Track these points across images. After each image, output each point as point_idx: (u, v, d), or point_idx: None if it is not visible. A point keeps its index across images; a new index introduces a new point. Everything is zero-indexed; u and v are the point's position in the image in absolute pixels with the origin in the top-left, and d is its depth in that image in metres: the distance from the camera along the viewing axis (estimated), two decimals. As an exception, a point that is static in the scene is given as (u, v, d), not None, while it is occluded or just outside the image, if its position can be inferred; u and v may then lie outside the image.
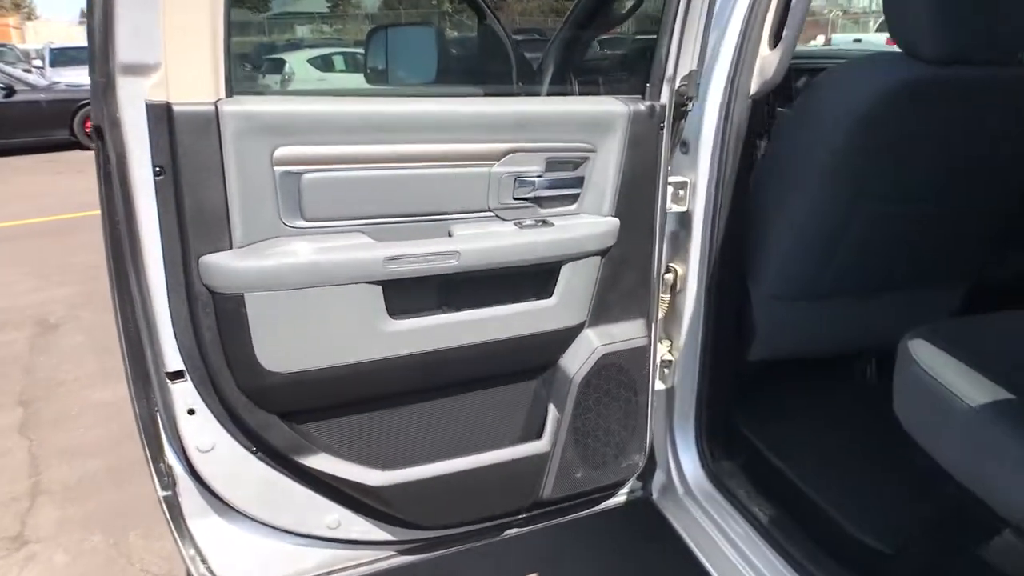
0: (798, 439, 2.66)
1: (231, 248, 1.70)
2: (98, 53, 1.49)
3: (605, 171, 2.10)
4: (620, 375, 2.27)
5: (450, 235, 1.95)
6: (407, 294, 1.98)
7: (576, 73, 3.23)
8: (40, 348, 4.93)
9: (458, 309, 2.00)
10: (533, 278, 2.15)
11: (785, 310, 2.62)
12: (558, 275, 2.09)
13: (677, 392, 2.59)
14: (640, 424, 2.36)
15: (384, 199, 1.85)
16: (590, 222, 2.10)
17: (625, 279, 2.23)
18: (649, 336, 2.32)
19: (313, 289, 1.77)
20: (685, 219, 2.46)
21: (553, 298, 2.11)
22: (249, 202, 1.69)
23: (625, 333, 2.28)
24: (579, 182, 2.09)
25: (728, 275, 2.48)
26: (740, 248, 2.50)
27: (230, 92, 1.65)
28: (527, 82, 3.14)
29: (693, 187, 2.42)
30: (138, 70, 1.51)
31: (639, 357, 2.30)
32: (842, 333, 2.76)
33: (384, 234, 1.89)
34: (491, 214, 2.01)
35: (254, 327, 1.73)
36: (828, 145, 2.20)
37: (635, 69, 2.51)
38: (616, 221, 2.14)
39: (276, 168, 1.72)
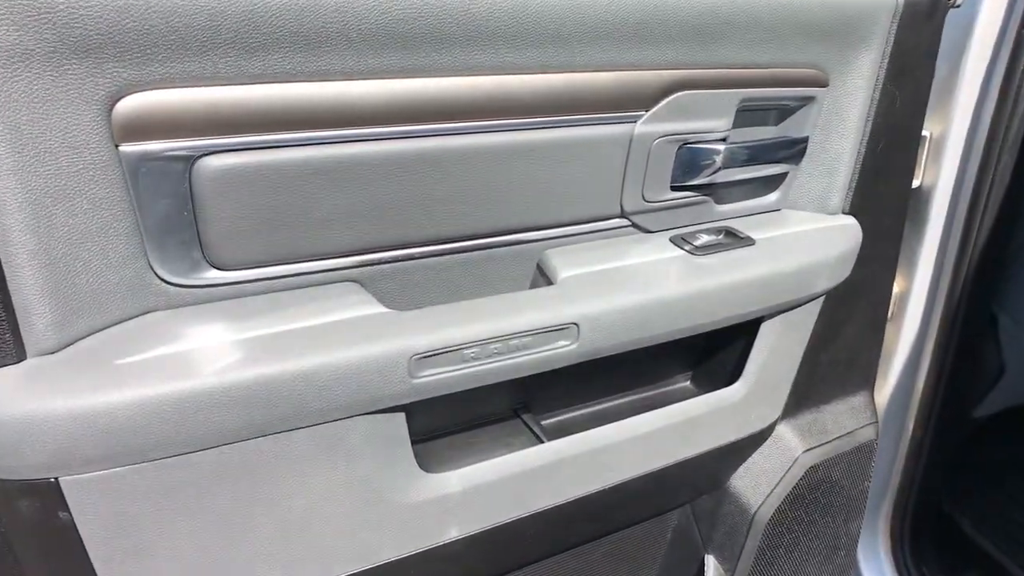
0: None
1: (17, 361, 0.66)
2: None
3: (843, 123, 1.04)
4: (832, 495, 1.26)
5: (546, 277, 0.90)
6: (443, 414, 0.98)
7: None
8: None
9: (559, 433, 0.96)
10: (693, 352, 1.13)
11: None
12: (753, 340, 1.05)
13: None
14: (845, 564, 1.36)
15: (393, 207, 0.81)
16: (815, 231, 1.05)
17: (849, 330, 1.20)
18: (875, 418, 1.30)
19: (248, 445, 0.73)
20: (914, 202, 1.42)
21: (741, 383, 1.07)
22: (59, 234, 0.65)
23: (843, 422, 1.25)
24: (797, 148, 1.03)
25: (973, 296, 1.45)
26: (999, 256, 1.46)
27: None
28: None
29: (936, 146, 1.37)
30: None
31: (862, 460, 1.28)
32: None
33: (396, 285, 0.86)
34: (624, 223, 0.96)
35: (98, 562, 0.70)
36: None
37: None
38: (855, 224, 1.08)
39: (124, 148, 0.67)
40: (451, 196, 0.82)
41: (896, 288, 1.49)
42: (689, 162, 0.94)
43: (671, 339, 0.91)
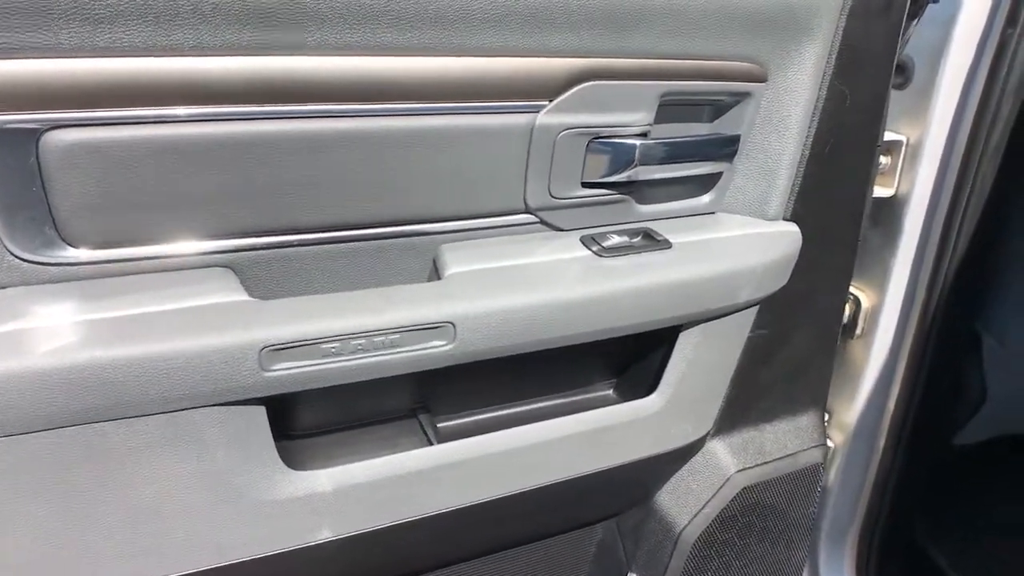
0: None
1: None
2: None
3: (784, 123, 0.96)
4: (769, 520, 1.18)
5: (438, 273, 0.85)
6: (328, 410, 0.93)
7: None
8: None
9: (460, 436, 0.91)
10: (615, 359, 1.07)
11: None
12: (671, 350, 0.98)
13: (831, 498, 1.51)
14: None
15: (269, 191, 0.76)
16: (745, 237, 0.98)
17: (794, 344, 1.12)
18: (824, 440, 1.22)
19: (90, 429, 0.69)
20: (889, 211, 1.33)
21: (657, 396, 1.00)
22: None
23: (785, 442, 1.17)
24: (727, 147, 0.96)
25: (951, 313, 1.35)
26: (979, 270, 1.36)
27: None
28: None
29: (912, 152, 1.27)
30: None
31: (805, 484, 1.20)
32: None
33: (276, 274, 0.81)
34: (532, 219, 0.90)
35: None
36: None
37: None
38: (795, 231, 1.01)
39: None
40: (335, 182, 0.77)
41: (866, 303, 1.40)
42: (602, 158, 0.87)
43: (567, 344, 0.85)
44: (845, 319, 1.41)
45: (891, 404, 1.45)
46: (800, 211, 1.01)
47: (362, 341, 0.74)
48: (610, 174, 0.88)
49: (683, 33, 0.85)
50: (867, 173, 1.07)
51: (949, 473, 1.64)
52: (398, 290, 0.80)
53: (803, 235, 1.01)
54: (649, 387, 1.00)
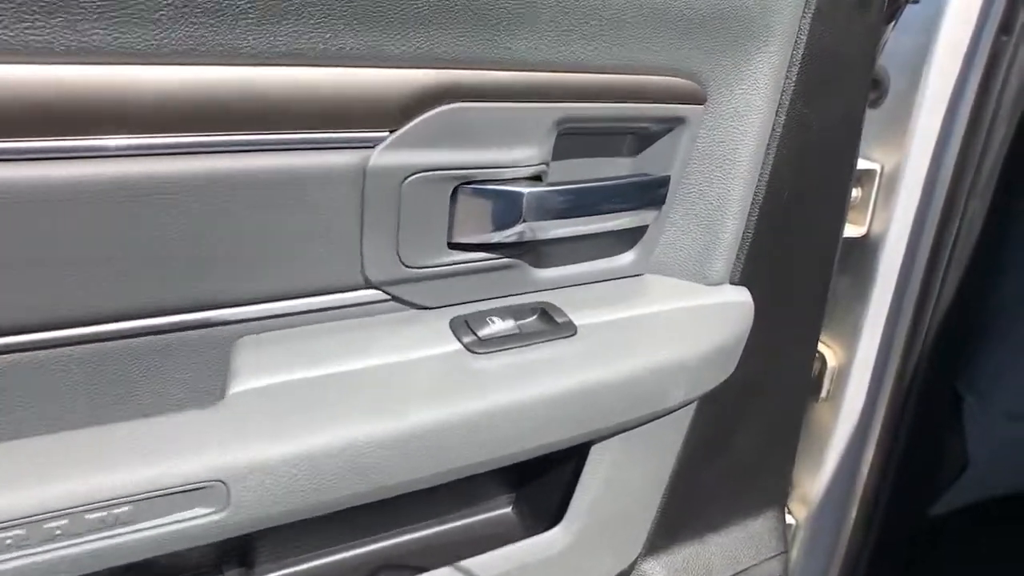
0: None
1: None
2: None
3: (730, 157, 0.72)
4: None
5: (219, 391, 0.58)
6: None
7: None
8: None
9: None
10: (511, 472, 0.81)
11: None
12: (581, 466, 0.73)
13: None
14: None
15: None
16: (680, 311, 0.73)
17: (747, 436, 0.88)
18: (786, 548, 0.98)
19: None
20: (860, 253, 1.10)
21: (562, 528, 0.74)
22: None
23: (737, 555, 0.93)
24: (654, 191, 0.71)
25: (932, 371, 1.13)
26: (965, 321, 1.14)
27: None
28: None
29: (888, 183, 1.05)
30: None
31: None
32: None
33: None
34: (380, 296, 0.64)
35: None
36: None
37: None
38: (746, 299, 0.76)
39: None
40: (66, 256, 0.50)
41: (833, 360, 1.17)
42: (476, 210, 0.62)
43: (412, 490, 0.59)
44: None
45: (863, 473, 1.23)
46: (752, 271, 0.77)
47: (64, 522, 0.47)
48: (488, 232, 0.63)
49: (588, 36, 0.60)
50: (838, 218, 0.83)
51: (927, 547, 1.42)
52: (130, 429, 0.53)
53: (756, 302, 0.78)
54: (554, 515, 0.75)
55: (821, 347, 1.19)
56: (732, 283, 0.76)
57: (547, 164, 0.64)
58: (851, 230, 1.10)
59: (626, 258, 0.74)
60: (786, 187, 0.76)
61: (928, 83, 0.98)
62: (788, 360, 0.87)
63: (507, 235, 0.62)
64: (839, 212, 0.82)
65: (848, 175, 0.81)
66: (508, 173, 0.62)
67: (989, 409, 1.25)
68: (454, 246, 0.63)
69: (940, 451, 1.29)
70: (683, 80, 0.68)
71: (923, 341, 1.11)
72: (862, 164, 1.06)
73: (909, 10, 0.96)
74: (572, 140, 0.67)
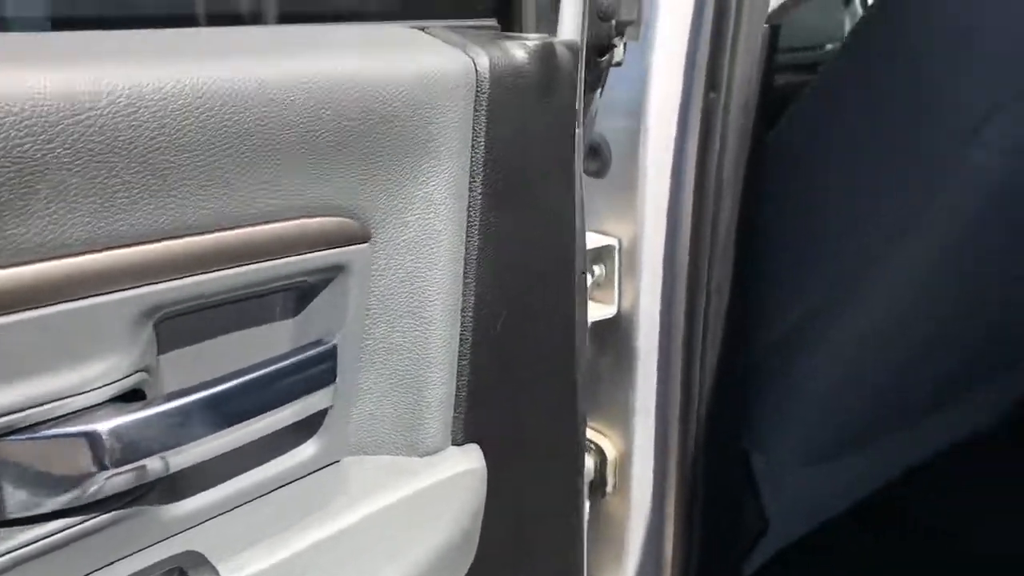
0: None
1: None
2: None
3: (419, 296, 0.56)
4: None
5: None
6: None
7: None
8: None
9: None
10: None
11: (819, 475, 1.25)
12: None
13: None
14: None
15: None
16: (389, 510, 0.55)
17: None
18: None
19: None
20: (615, 334, 1.01)
21: None
22: None
23: None
24: (317, 367, 0.53)
25: (713, 441, 1.06)
26: (737, 384, 1.08)
27: None
28: None
29: (629, 258, 0.96)
30: None
31: None
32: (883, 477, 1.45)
33: None
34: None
35: None
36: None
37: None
38: (476, 466, 0.60)
39: None
40: None
41: (612, 451, 1.06)
42: (29, 472, 0.41)
43: None
44: (590, 474, 1.07)
45: (666, 559, 1.13)
46: (479, 420, 0.62)
47: None
48: (55, 497, 0.42)
49: (159, 174, 0.42)
50: (570, 313, 0.70)
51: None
52: None
53: (493, 452, 0.63)
54: None
55: (597, 438, 1.08)
56: (456, 443, 0.61)
57: (147, 370, 0.44)
58: (601, 311, 1.00)
59: (307, 450, 0.56)
60: (499, 310, 0.62)
61: (648, 149, 0.90)
62: (549, 498, 0.73)
63: (78, 498, 0.42)
64: (569, 307, 0.69)
65: (571, 266, 0.69)
66: (75, 403, 0.41)
67: (779, 461, 1.21)
68: (7, 523, 0.41)
69: (739, 518, 1.23)
70: (334, 218, 0.51)
71: (698, 412, 1.03)
72: (600, 240, 0.97)
73: (613, 75, 0.88)
74: (195, 319, 0.48)
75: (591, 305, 1.00)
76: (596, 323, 1.00)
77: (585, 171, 0.96)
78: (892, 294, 0.96)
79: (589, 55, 0.76)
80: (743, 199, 0.94)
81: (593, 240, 0.96)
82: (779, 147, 1.03)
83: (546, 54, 0.59)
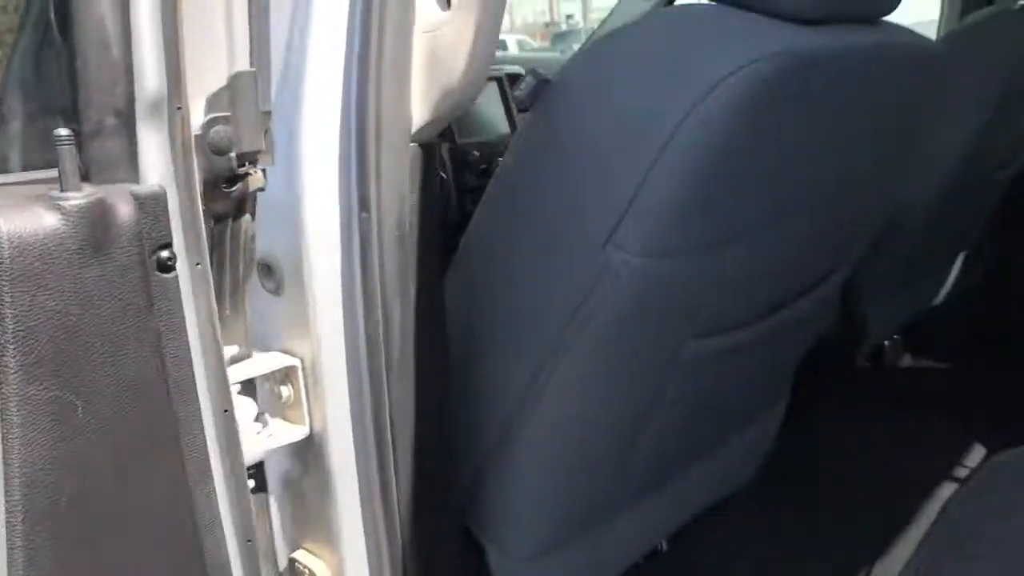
0: None
1: None
2: None
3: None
4: None
5: None
6: None
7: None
8: None
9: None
10: None
11: (554, 566, 1.26)
12: None
13: None
14: None
15: None
16: None
17: None
18: None
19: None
20: (313, 455, 0.99)
21: None
22: None
23: None
24: None
25: (436, 543, 1.05)
26: (451, 485, 1.08)
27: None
28: None
29: (314, 375, 0.94)
30: None
31: None
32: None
33: None
34: None
35: None
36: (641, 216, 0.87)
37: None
38: None
39: None
40: None
41: (327, 572, 1.02)
42: None
43: None
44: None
45: None
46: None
47: None
48: None
49: None
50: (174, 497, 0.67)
51: None
52: None
53: None
54: None
55: (309, 559, 1.04)
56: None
57: None
58: (293, 432, 0.97)
59: None
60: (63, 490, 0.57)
61: (313, 268, 0.90)
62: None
63: None
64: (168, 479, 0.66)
65: (169, 434, 0.66)
66: None
67: (514, 555, 1.21)
68: None
69: None
70: None
71: (410, 521, 1.01)
72: (284, 360, 0.95)
73: (274, 195, 0.87)
74: None
75: (284, 426, 0.97)
76: (295, 444, 0.97)
77: (264, 288, 0.94)
78: (572, 384, 1.00)
79: (210, 189, 0.75)
80: (427, 308, 0.95)
81: (278, 360, 0.94)
82: (474, 239, 1.06)
83: (94, 212, 0.57)
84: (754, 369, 1.38)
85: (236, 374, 0.86)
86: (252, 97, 0.73)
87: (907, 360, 2.71)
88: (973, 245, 2.45)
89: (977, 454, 2.04)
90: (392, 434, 0.94)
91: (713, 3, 0.96)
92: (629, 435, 1.13)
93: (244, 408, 0.91)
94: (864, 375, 2.55)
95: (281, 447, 0.97)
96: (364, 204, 0.86)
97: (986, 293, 2.63)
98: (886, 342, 2.60)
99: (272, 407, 0.98)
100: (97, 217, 0.57)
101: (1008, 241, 2.55)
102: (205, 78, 0.70)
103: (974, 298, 2.63)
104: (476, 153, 1.61)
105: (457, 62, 0.83)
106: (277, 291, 0.94)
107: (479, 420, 1.06)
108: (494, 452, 1.08)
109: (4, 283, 0.52)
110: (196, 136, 0.70)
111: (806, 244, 1.17)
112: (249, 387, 0.94)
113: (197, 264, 0.70)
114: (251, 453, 0.88)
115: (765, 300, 1.19)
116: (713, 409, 1.33)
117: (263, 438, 0.94)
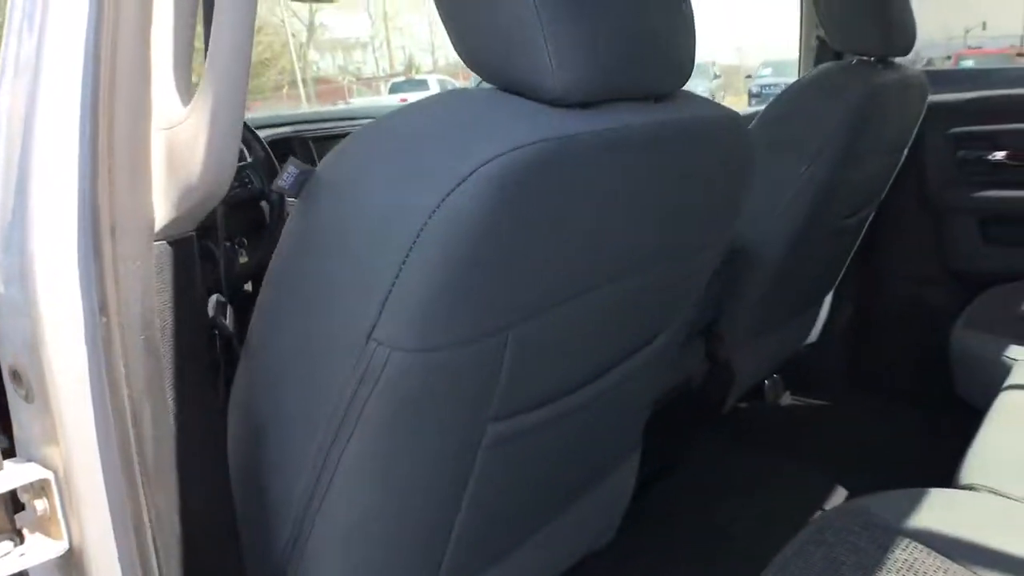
0: None
1: None
2: None
3: None
4: None
5: None
6: None
7: None
8: None
9: None
10: None
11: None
12: None
13: None
14: None
15: None
16: None
17: None
18: None
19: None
20: (76, 571, 0.92)
21: None
22: None
23: None
24: None
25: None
26: None
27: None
28: None
29: (69, 487, 0.88)
30: None
31: None
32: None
33: None
34: None
35: None
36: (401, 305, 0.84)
37: None
38: None
39: None
40: None
41: None
42: None
43: None
44: None
45: None
46: None
47: None
48: None
49: None
50: None
51: None
52: None
53: None
54: None
55: None
56: None
57: None
58: (52, 547, 0.90)
59: None
60: None
61: (54, 377, 0.84)
62: None
63: None
64: None
65: None
66: None
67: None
68: None
69: None
70: None
71: None
72: (37, 472, 0.89)
73: None
74: None
75: (42, 541, 0.91)
76: (58, 558, 0.91)
77: (17, 395, 0.88)
78: (360, 477, 0.97)
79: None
80: (192, 412, 0.91)
81: (31, 472, 0.88)
82: (249, 337, 1.02)
83: None
84: (590, 431, 1.37)
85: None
86: None
87: (787, 399, 2.77)
88: (838, 285, 2.52)
89: (839, 496, 2.08)
90: (155, 545, 0.88)
91: (484, 89, 0.95)
92: (440, 522, 1.10)
93: (-13, 527, 0.85)
94: (741, 415, 2.59)
95: (43, 563, 0.90)
96: (103, 307, 0.81)
97: (856, 331, 2.71)
98: (766, 381, 2.65)
99: (31, 521, 0.91)
100: None
101: (867, 281, 2.64)
102: None
103: (845, 336, 2.71)
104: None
105: (196, 159, 0.80)
106: (27, 398, 0.88)
107: (267, 523, 1.01)
108: (289, 555, 1.03)
109: None
110: None
111: (616, 312, 1.16)
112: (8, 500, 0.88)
113: None
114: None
115: (580, 370, 1.18)
116: (546, 479, 1.31)
117: (13, 558, 0.88)
